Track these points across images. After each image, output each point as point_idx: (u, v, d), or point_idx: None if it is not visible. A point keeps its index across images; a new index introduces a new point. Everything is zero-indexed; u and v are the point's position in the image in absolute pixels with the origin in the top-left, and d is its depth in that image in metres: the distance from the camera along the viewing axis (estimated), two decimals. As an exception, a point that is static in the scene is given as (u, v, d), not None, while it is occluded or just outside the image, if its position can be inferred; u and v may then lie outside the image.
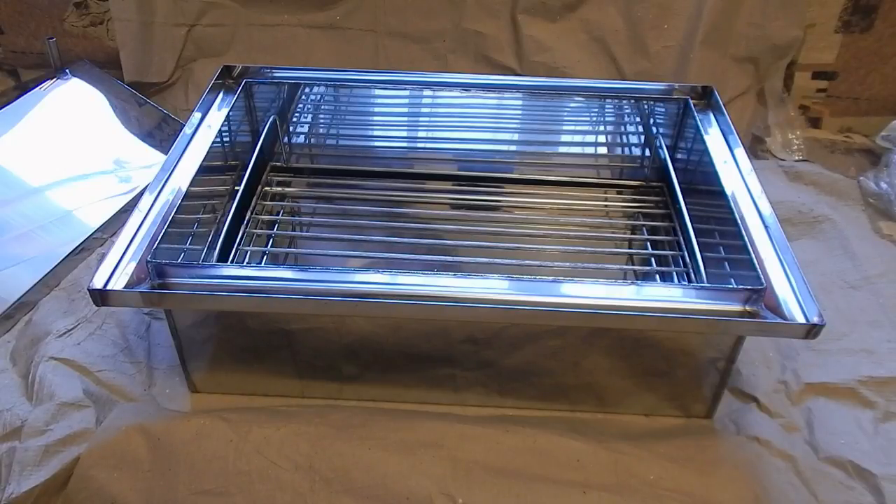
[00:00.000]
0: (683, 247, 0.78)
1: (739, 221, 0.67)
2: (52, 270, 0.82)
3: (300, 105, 0.90)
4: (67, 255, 0.84)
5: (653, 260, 0.80)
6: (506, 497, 0.62)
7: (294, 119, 0.91)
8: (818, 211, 0.91)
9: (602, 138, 0.91)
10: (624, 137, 0.91)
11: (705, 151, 0.77)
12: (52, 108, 0.99)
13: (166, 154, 0.75)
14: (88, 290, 0.60)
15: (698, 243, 0.73)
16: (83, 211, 0.89)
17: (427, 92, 0.89)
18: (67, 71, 1.04)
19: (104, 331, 0.76)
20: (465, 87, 0.88)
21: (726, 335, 0.64)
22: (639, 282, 0.70)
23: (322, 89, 0.89)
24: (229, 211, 0.76)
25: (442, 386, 0.70)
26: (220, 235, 0.74)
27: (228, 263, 0.74)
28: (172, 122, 1.04)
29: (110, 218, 0.89)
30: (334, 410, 0.69)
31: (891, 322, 0.78)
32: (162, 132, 1.03)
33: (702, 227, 0.75)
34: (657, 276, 0.79)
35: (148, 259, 0.61)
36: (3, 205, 0.86)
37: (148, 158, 0.98)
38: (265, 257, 0.81)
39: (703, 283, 0.70)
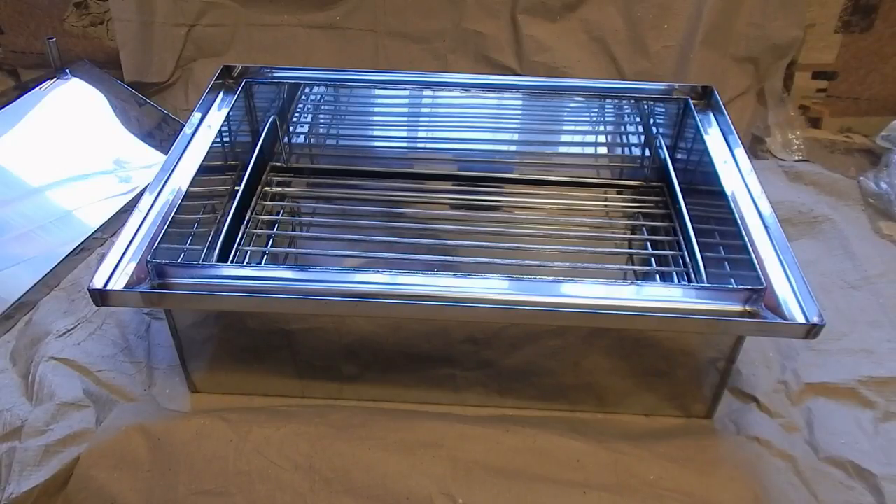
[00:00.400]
0: (683, 247, 0.78)
1: (739, 221, 0.67)
2: (52, 270, 0.82)
3: (300, 105, 0.90)
4: (67, 255, 0.84)
5: (653, 260, 0.80)
6: (506, 497, 0.62)
7: (294, 119, 0.91)
8: (818, 211, 0.91)
9: (602, 138, 0.91)
10: (624, 137, 0.91)
11: (705, 151, 0.77)
12: (52, 108, 0.99)
13: (166, 154, 0.75)
14: (88, 290, 0.59)
15: (698, 243, 0.73)
16: (83, 211, 0.89)
17: (427, 92, 0.89)
18: (67, 71, 1.04)
19: (104, 331, 0.76)
20: (465, 87, 0.88)
21: (726, 335, 0.64)
22: (639, 282, 0.70)
23: (322, 89, 0.89)
24: (229, 211, 0.76)
25: (442, 386, 0.70)
26: (220, 235, 0.74)
27: (228, 263, 0.74)
28: (172, 122, 1.04)
29: (110, 218, 0.89)
30: (334, 410, 0.69)
31: (891, 322, 0.78)
32: (162, 132, 1.03)
33: (702, 227, 0.75)
34: (657, 276, 0.79)
35: (148, 259, 0.61)
36: (3, 205, 0.86)
37: (148, 158, 0.98)
38: (265, 257, 0.81)
39: (703, 283, 0.70)
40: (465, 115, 0.91)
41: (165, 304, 0.64)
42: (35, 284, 0.80)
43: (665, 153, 0.87)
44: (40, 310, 0.79)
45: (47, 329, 0.75)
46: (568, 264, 0.79)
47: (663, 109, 0.86)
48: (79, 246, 0.85)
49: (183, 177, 0.72)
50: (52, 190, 0.90)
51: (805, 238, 0.89)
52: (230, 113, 0.81)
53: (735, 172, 0.74)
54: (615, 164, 0.92)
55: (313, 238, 0.88)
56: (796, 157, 1.04)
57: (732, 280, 0.66)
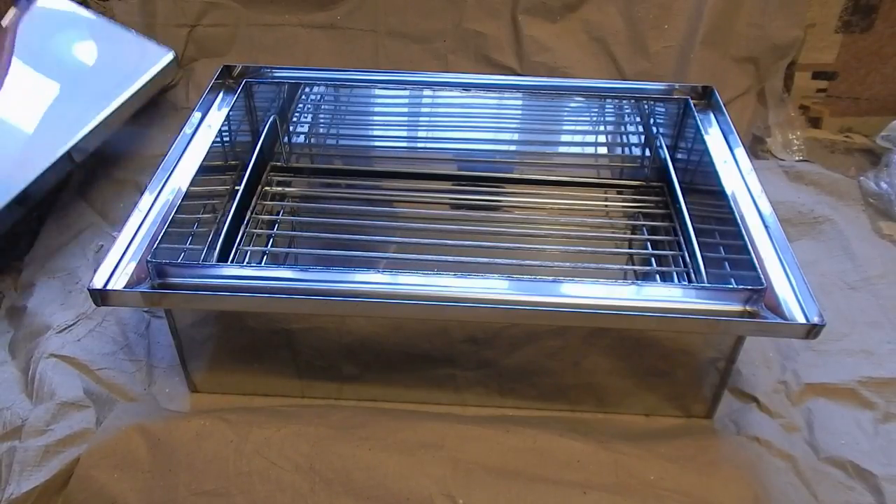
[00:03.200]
0: (683, 247, 0.78)
1: (739, 221, 0.67)
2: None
3: (300, 105, 0.90)
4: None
5: (653, 260, 0.80)
6: (506, 497, 0.62)
7: (294, 119, 0.91)
8: (818, 211, 0.91)
9: (602, 138, 0.91)
10: (624, 137, 0.91)
11: (705, 151, 0.77)
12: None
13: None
14: (88, 289, 0.60)
15: (698, 243, 0.73)
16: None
17: (427, 92, 0.89)
18: None
19: (104, 328, 0.76)
20: (465, 87, 0.88)
21: (726, 335, 0.64)
22: (639, 282, 0.70)
23: (322, 89, 0.89)
24: (229, 211, 0.76)
25: (442, 386, 0.70)
26: (220, 235, 0.74)
27: (228, 263, 0.74)
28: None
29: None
30: (334, 411, 0.69)
31: (891, 323, 0.78)
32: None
33: (702, 227, 0.75)
34: (657, 276, 0.79)
35: (148, 259, 0.61)
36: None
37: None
38: (265, 257, 0.81)
39: (703, 283, 0.70)
40: (465, 115, 0.91)
41: (165, 304, 0.64)
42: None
43: (665, 153, 0.87)
44: (35, 296, 0.78)
45: (46, 322, 0.75)
46: (568, 264, 0.79)
47: (663, 109, 0.86)
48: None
49: (183, 177, 0.72)
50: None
51: (805, 238, 0.89)
52: (230, 113, 0.81)
53: (735, 172, 0.74)
54: (615, 164, 0.92)
55: (313, 238, 0.88)
56: (796, 157, 1.03)
57: (732, 280, 0.66)
